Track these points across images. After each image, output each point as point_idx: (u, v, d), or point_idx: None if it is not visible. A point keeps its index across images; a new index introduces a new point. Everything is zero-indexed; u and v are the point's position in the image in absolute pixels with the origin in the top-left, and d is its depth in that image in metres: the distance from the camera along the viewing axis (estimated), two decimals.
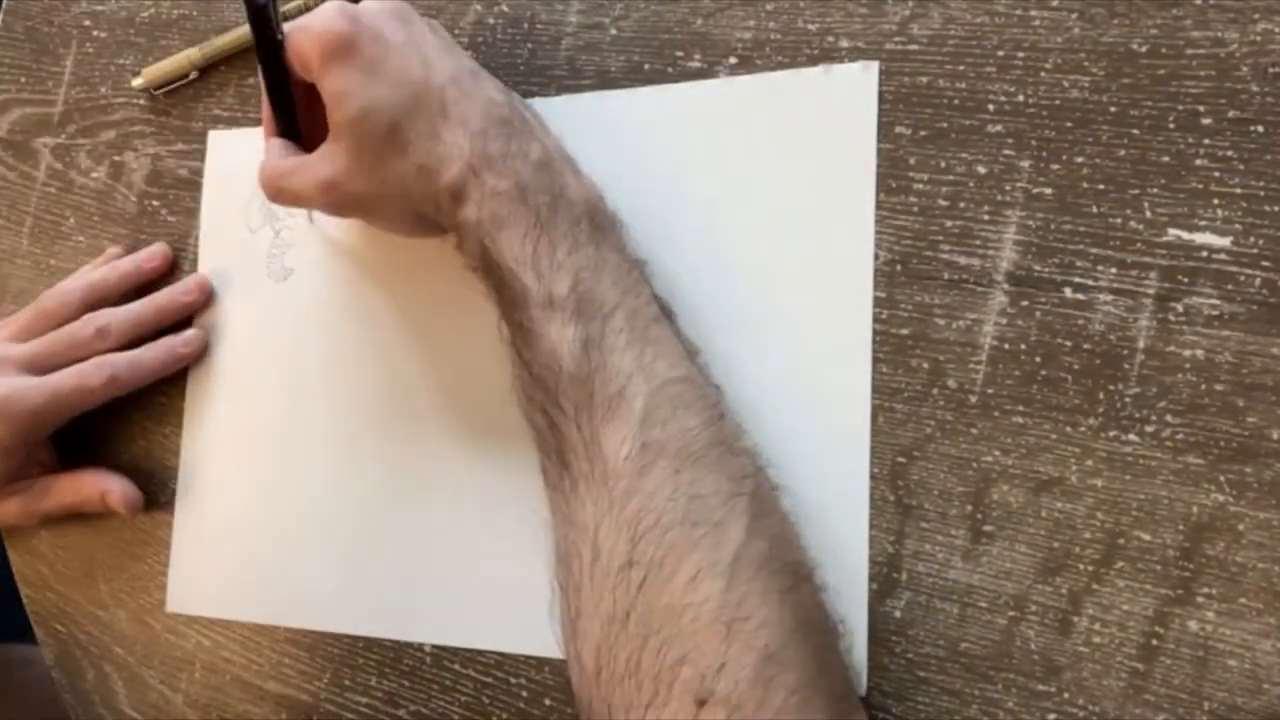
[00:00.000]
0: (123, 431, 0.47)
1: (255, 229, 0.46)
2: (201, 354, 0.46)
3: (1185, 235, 0.32)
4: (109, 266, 0.47)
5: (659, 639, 0.28)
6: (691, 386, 0.32)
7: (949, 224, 0.34)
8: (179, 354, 0.45)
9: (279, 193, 0.37)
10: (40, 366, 0.44)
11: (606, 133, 0.39)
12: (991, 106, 0.34)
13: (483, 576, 0.39)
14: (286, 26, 0.36)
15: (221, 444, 0.45)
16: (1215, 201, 0.32)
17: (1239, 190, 0.31)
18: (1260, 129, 0.31)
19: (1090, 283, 0.33)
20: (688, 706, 0.27)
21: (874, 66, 0.36)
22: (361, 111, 0.34)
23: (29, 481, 0.45)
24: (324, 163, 0.36)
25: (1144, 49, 0.33)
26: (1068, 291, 0.33)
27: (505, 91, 0.37)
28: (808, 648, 0.29)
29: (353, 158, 0.35)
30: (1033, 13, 0.34)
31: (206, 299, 0.46)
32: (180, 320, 0.46)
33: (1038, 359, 0.33)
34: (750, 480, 0.31)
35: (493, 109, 0.35)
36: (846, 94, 0.36)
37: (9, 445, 0.43)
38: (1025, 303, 0.33)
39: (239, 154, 0.47)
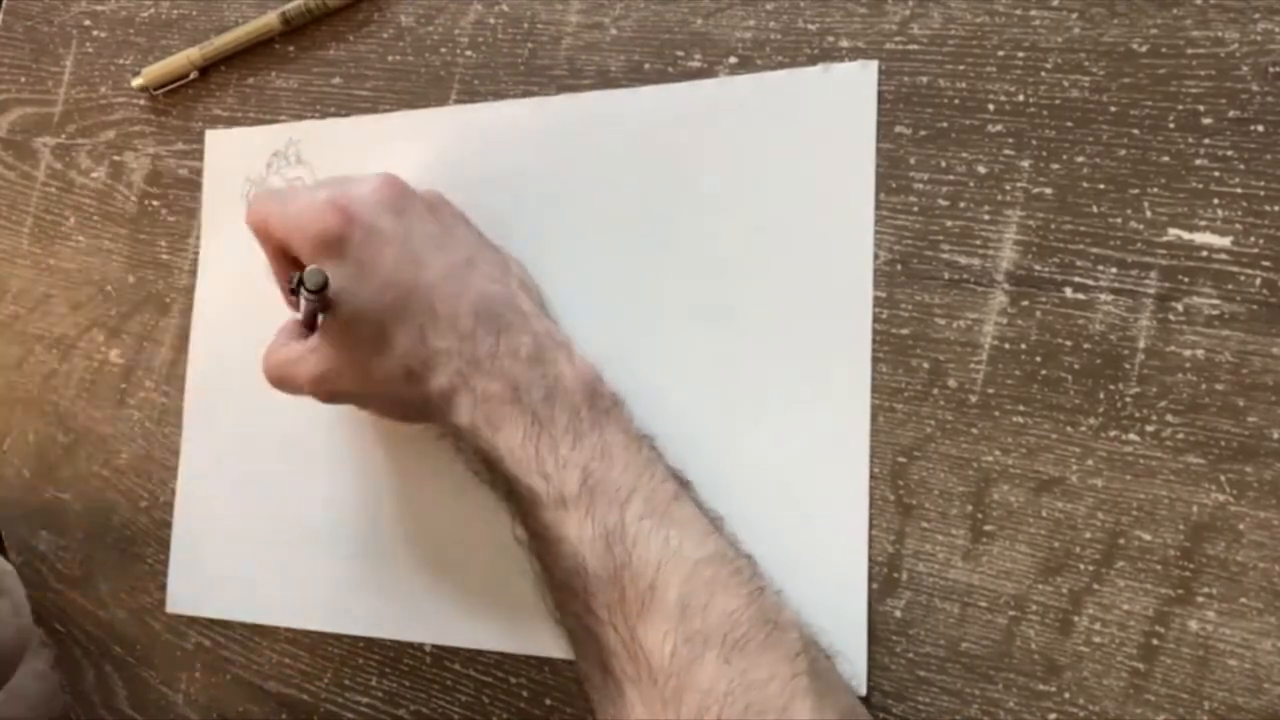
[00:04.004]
0: (123, 431, 0.47)
1: None
2: None
3: (1185, 235, 0.32)
4: None
5: None
6: (724, 564, 0.31)
7: (949, 224, 0.34)
8: None
9: (280, 381, 0.36)
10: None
11: (606, 133, 0.39)
12: (992, 106, 0.34)
13: (483, 576, 0.39)
14: (267, 194, 0.35)
15: (221, 444, 0.45)
16: (1215, 201, 0.32)
17: (1239, 190, 0.31)
18: (1260, 129, 0.31)
19: (1090, 283, 0.33)
20: None
21: (873, 66, 0.36)
22: (349, 314, 0.33)
23: None
24: (315, 357, 0.35)
25: (1144, 49, 0.33)
26: (1068, 291, 0.33)
27: (502, 273, 0.36)
28: None
29: (340, 356, 0.34)
30: (1033, 13, 0.34)
31: None
32: None
33: (1038, 359, 0.33)
34: (804, 657, 0.30)
35: (483, 303, 0.34)
36: (846, 93, 0.36)
37: None
38: (1025, 302, 0.33)
39: (238, 153, 0.46)
